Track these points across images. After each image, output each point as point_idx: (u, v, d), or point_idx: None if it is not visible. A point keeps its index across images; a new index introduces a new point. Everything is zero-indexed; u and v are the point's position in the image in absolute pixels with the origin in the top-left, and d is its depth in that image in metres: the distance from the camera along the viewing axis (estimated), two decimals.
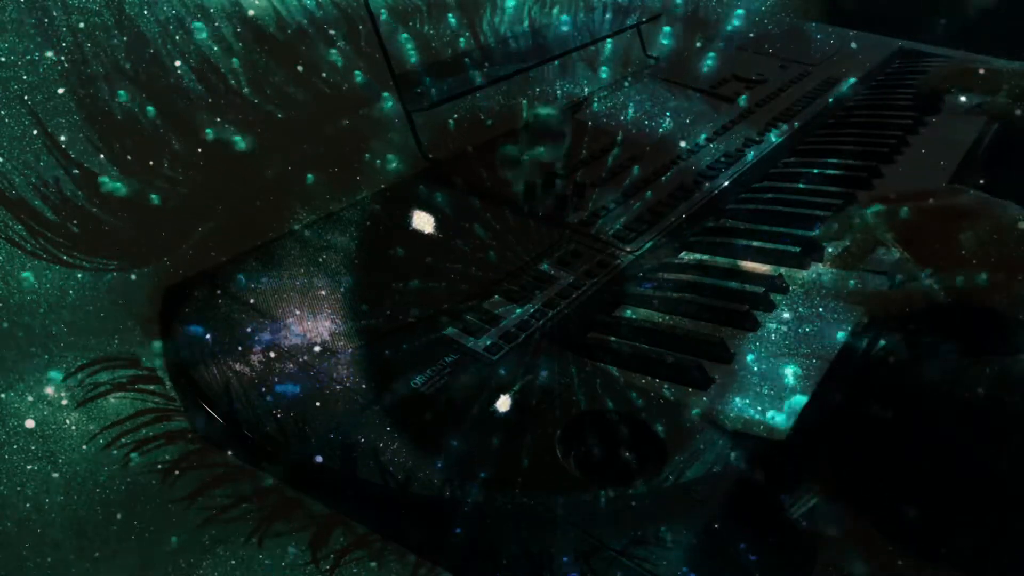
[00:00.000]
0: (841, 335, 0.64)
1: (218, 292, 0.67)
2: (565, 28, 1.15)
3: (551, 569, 0.47)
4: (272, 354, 0.61)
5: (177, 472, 0.63)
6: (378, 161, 0.88)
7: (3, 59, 0.61)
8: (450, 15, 0.98)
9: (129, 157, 0.69)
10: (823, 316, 0.67)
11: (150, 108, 0.70)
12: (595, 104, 1.12)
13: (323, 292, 0.68)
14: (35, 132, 0.62)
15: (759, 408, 0.56)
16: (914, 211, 0.69)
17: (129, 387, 0.64)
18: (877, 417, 0.64)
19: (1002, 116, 1.08)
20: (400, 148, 0.90)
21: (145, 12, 0.70)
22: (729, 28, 1.45)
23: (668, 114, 1.10)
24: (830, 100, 1.20)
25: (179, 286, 0.68)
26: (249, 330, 0.63)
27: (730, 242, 0.80)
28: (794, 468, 0.58)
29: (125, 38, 0.68)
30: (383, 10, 0.87)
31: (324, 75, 0.85)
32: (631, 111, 1.10)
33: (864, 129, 1.10)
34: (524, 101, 1.07)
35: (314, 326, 0.63)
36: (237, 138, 0.77)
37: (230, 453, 0.60)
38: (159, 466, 0.62)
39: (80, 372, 0.62)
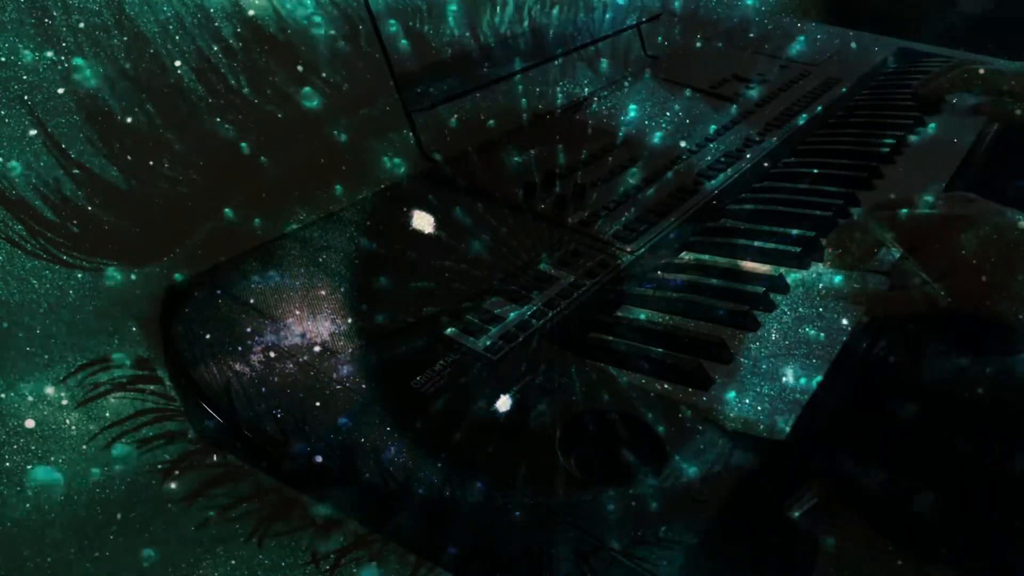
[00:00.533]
0: (841, 335, 0.64)
1: (218, 292, 0.67)
2: (565, 28, 1.15)
3: (551, 569, 0.47)
4: (272, 354, 0.61)
5: (177, 472, 0.63)
6: (378, 161, 0.88)
7: (3, 59, 0.61)
8: (450, 15, 0.98)
9: (129, 157, 0.69)
10: (823, 316, 0.67)
11: (150, 108, 0.70)
12: (595, 104, 1.12)
13: (323, 292, 0.68)
14: (35, 132, 0.62)
15: (759, 408, 0.56)
16: (917, 218, 0.69)
17: (129, 387, 0.64)
18: (877, 417, 0.64)
19: (1002, 116, 1.08)
20: (400, 148, 0.90)
21: (145, 12, 0.70)
22: (729, 26, 1.45)
23: (668, 114, 1.10)
24: (830, 100, 1.20)
25: (179, 286, 0.68)
26: (249, 330, 0.63)
27: (730, 242, 0.80)
28: (794, 468, 0.58)
29: (125, 38, 0.68)
30: (383, 10, 0.87)
31: (324, 75, 0.85)
32: (631, 111, 1.10)
33: (864, 129, 1.10)
34: (524, 101, 1.07)
35: (314, 326, 0.63)
36: (237, 138, 0.77)
37: (230, 454, 0.60)
38: (159, 466, 0.62)
39: (80, 372, 0.62)
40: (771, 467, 0.54)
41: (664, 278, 0.75)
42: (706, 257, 0.80)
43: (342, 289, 0.68)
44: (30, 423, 0.59)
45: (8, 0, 0.61)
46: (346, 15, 0.87)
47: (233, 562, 0.60)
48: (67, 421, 0.61)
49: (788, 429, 0.55)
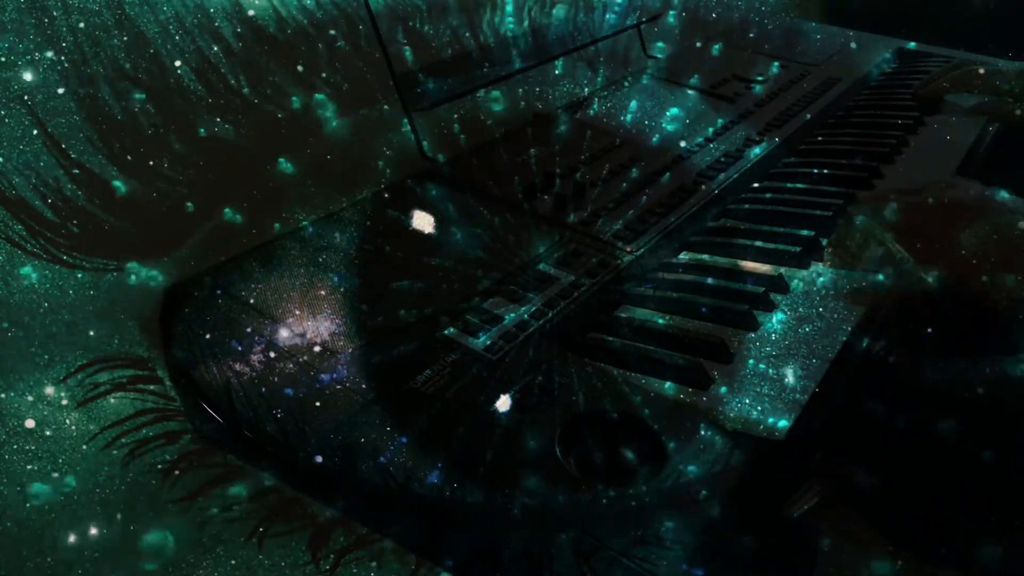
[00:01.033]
0: (841, 335, 0.64)
1: (218, 292, 0.67)
2: (565, 28, 1.15)
3: (551, 569, 0.47)
4: (272, 354, 0.61)
5: (177, 472, 0.63)
6: (378, 161, 0.88)
7: (3, 59, 0.61)
8: (450, 15, 0.98)
9: (129, 157, 0.69)
10: (823, 316, 0.67)
11: (150, 108, 0.70)
12: (595, 104, 1.12)
13: (323, 292, 0.68)
14: (35, 132, 0.62)
15: (759, 408, 0.56)
16: (913, 208, 0.69)
17: (129, 387, 0.64)
18: (877, 417, 0.64)
19: (1002, 116, 1.08)
20: (400, 148, 0.90)
21: (145, 12, 0.70)
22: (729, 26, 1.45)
23: (668, 114, 1.10)
24: (830, 100, 1.20)
25: (179, 286, 0.68)
26: (249, 330, 0.63)
27: (730, 242, 0.80)
28: (794, 468, 0.58)
29: (125, 38, 0.68)
30: (383, 10, 0.87)
31: (324, 75, 0.85)
32: (631, 111, 1.10)
33: (864, 129, 1.10)
34: (524, 101, 1.07)
35: (314, 326, 0.63)
36: (237, 138, 0.77)
37: (230, 454, 0.60)
38: (159, 466, 0.62)
39: (80, 372, 0.62)
40: (771, 467, 0.54)
41: (664, 278, 0.75)
42: (706, 257, 0.80)
43: (342, 289, 0.68)
44: (30, 423, 0.59)
45: (8, 0, 0.61)
46: (346, 15, 0.87)
47: (233, 562, 0.60)
48: (67, 421, 0.61)
49: (788, 429, 0.55)
